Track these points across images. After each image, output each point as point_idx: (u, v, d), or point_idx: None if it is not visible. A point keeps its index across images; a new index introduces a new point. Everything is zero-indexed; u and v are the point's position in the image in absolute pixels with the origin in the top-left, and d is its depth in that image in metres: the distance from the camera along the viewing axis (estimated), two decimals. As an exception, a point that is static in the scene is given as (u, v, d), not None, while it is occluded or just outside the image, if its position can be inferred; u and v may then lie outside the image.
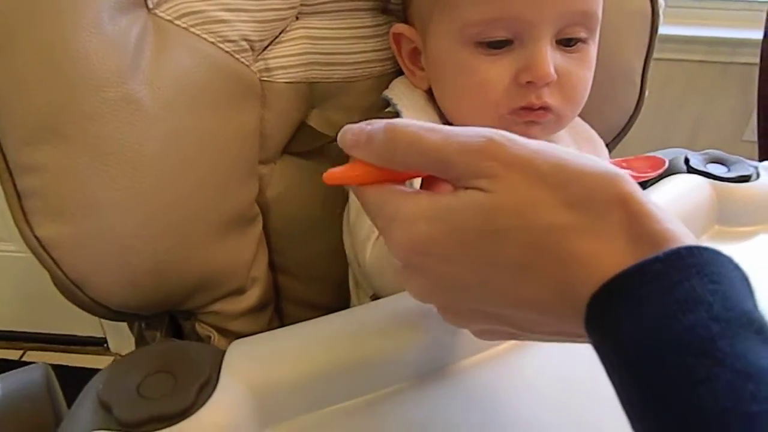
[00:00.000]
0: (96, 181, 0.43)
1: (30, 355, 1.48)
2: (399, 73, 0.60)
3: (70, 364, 1.42)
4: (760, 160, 0.96)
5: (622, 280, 0.27)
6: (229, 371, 0.37)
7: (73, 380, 0.45)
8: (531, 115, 0.51)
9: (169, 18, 0.47)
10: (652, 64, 1.84)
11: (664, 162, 0.45)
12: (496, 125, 0.51)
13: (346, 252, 0.57)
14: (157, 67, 0.45)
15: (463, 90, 0.52)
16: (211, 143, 0.49)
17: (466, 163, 0.31)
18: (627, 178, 0.30)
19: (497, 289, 0.31)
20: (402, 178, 0.35)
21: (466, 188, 0.31)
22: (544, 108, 0.51)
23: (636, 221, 0.28)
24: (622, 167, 0.45)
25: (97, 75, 0.42)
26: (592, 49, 0.53)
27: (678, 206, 0.55)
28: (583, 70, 0.52)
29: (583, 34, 0.51)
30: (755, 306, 0.27)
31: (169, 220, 0.47)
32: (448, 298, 0.33)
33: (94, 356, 1.48)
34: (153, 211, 0.46)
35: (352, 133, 0.34)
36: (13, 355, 1.48)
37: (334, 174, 0.35)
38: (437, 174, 0.33)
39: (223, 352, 0.39)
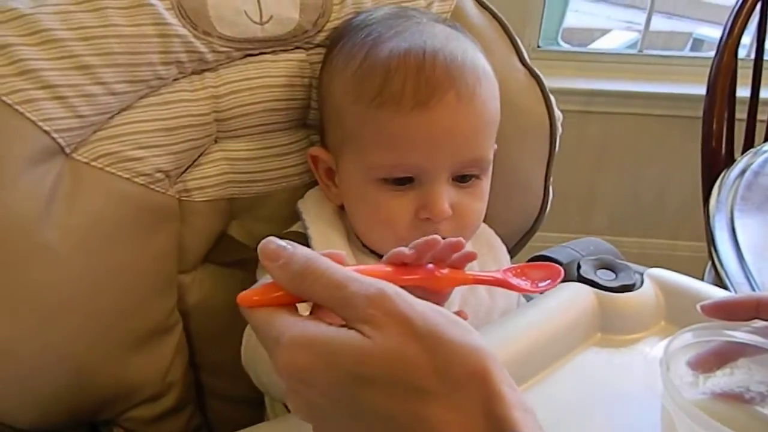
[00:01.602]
0: None
1: None
2: (317, 182, 0.65)
3: None
4: (704, 208, 0.99)
5: None
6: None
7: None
8: None
9: (85, 160, 0.52)
10: (619, 119, 1.88)
11: (560, 273, 0.48)
12: None
13: None
14: (70, 209, 0.50)
15: (371, 220, 0.58)
16: (125, 271, 0.54)
17: (356, 306, 0.33)
18: (491, 354, 0.33)
19: (358, 431, 0.33)
20: (291, 302, 0.37)
21: (350, 328, 0.33)
22: None
23: (492, 401, 0.31)
24: (516, 274, 0.48)
25: (10, 228, 0.47)
26: (485, 183, 0.59)
27: (561, 314, 0.59)
28: (476, 203, 0.58)
29: (476, 172, 0.58)
30: None
31: (77, 346, 0.51)
32: (320, 425, 0.35)
33: None
34: (59, 338, 0.50)
35: (271, 248, 0.37)
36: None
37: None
38: (333, 309, 0.35)
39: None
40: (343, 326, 0.34)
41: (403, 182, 0.56)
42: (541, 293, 0.50)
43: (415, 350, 0.32)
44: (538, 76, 0.69)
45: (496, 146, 0.61)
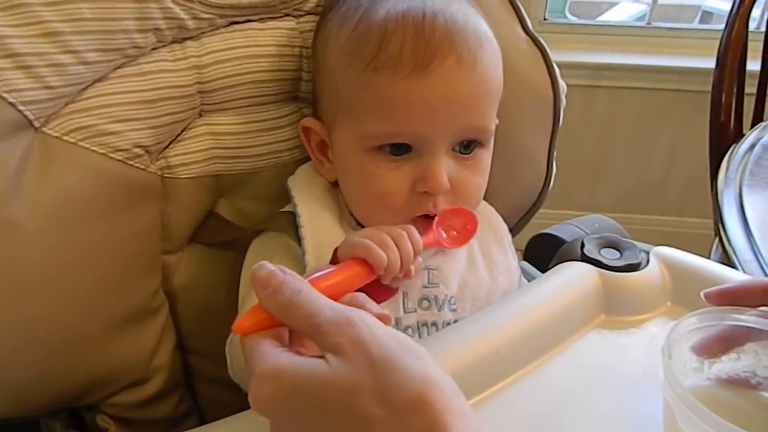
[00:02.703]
0: None
1: None
2: (308, 158, 0.62)
3: None
4: (712, 186, 0.98)
5: None
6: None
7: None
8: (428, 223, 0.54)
9: (57, 134, 0.49)
10: (627, 93, 1.85)
11: (475, 223, 0.54)
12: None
13: None
14: (41, 185, 0.47)
15: (366, 194, 0.55)
16: (102, 250, 0.51)
17: (327, 333, 0.35)
18: (440, 383, 0.33)
19: None
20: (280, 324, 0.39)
21: (322, 355, 0.35)
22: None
23: (432, 430, 0.32)
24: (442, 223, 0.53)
25: None
26: (486, 156, 0.56)
27: (564, 295, 0.56)
28: (476, 177, 0.56)
29: (477, 139, 0.55)
30: None
31: (52, 326, 0.49)
32: None
33: None
34: (30, 317, 0.48)
35: (262, 275, 0.38)
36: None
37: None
38: (310, 337, 0.37)
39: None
40: (316, 356, 0.36)
41: (400, 150, 0.53)
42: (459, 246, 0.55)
43: (367, 376, 0.33)
44: (542, 46, 0.66)
45: (497, 121, 0.58)
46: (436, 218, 0.53)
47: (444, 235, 0.53)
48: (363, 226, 0.58)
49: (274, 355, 0.36)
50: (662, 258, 0.59)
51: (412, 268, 0.49)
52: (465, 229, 0.54)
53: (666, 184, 1.92)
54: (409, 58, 0.50)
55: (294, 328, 0.38)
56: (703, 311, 0.46)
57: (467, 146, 0.54)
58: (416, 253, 0.49)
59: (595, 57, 1.76)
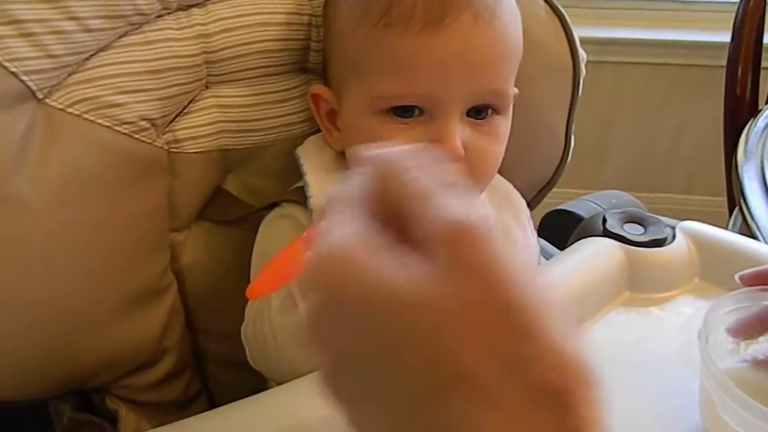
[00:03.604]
0: None
1: None
2: (317, 132, 0.60)
3: None
4: (726, 161, 0.95)
5: None
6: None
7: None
8: None
9: (61, 106, 0.47)
10: (634, 68, 1.81)
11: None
12: None
13: None
14: (45, 159, 0.45)
15: None
16: (108, 228, 0.49)
17: (430, 239, 0.23)
18: (590, 374, 0.22)
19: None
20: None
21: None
22: None
23: None
24: None
25: None
26: (503, 123, 0.53)
27: (587, 272, 0.55)
28: (492, 144, 0.53)
29: (493, 104, 0.52)
30: None
31: (60, 310, 0.47)
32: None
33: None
34: (40, 302, 0.46)
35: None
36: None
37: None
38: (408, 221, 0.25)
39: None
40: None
41: (410, 112, 0.50)
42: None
43: (493, 325, 0.22)
44: (561, 13, 0.64)
45: (516, 90, 0.55)
46: None
47: None
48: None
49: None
50: (689, 233, 0.58)
51: None
52: None
53: (673, 161, 1.90)
54: (422, 13, 0.47)
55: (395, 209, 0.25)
56: (738, 292, 0.44)
57: (479, 112, 0.51)
58: None
59: (602, 31, 1.73)
